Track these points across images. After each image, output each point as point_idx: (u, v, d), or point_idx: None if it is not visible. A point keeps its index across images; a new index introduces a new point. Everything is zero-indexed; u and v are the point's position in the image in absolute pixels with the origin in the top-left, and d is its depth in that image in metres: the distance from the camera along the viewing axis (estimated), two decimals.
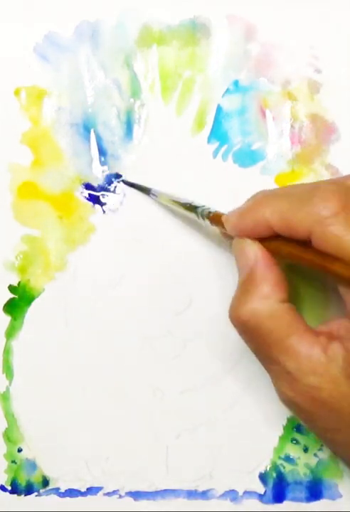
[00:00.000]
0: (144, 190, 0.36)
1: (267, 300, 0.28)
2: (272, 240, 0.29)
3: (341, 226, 0.26)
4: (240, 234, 0.30)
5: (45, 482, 0.36)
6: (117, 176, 0.36)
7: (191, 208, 0.33)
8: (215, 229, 0.33)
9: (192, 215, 0.33)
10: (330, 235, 0.26)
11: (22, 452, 0.36)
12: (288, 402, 0.28)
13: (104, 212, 0.36)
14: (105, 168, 0.36)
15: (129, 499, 0.35)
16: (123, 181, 0.36)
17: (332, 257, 0.26)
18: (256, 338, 0.28)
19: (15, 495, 0.35)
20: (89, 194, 0.36)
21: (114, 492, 0.35)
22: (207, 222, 0.32)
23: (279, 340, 0.27)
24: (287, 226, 0.27)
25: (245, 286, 0.29)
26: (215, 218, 0.31)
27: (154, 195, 0.35)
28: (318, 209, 0.26)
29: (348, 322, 0.28)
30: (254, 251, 0.29)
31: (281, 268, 0.29)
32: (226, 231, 0.31)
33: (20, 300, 0.36)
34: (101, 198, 0.36)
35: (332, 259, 0.26)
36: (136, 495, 0.35)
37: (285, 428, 0.35)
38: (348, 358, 0.26)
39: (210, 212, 0.32)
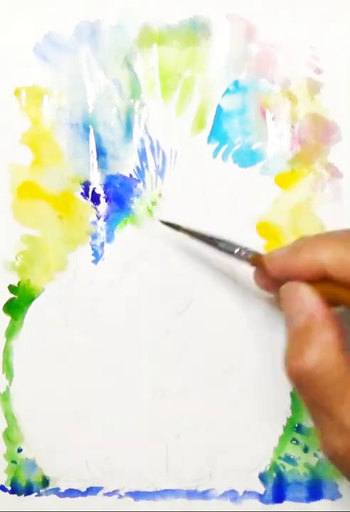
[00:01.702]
0: (176, 227, 0.34)
1: (333, 349, 0.27)
2: (319, 283, 0.28)
3: None
4: (286, 275, 0.29)
5: (45, 482, 0.36)
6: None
7: (229, 248, 0.32)
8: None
9: (227, 255, 0.32)
10: None
11: (22, 452, 0.36)
12: (336, 457, 0.28)
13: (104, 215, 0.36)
14: (105, 168, 0.36)
15: (129, 499, 0.35)
16: (160, 221, 0.35)
17: None
18: (317, 389, 0.27)
19: (15, 495, 0.35)
20: (89, 194, 0.36)
21: (114, 492, 0.35)
22: (245, 264, 0.31)
23: (340, 392, 0.26)
24: (345, 270, 0.27)
25: (305, 333, 0.28)
26: (258, 260, 0.31)
27: (185, 232, 0.34)
28: None
29: None
30: (311, 297, 0.28)
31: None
32: (267, 271, 0.30)
33: (20, 300, 0.36)
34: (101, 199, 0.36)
35: None
36: (136, 495, 0.35)
37: (285, 428, 0.35)
38: None
39: (249, 253, 0.31)
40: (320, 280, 0.28)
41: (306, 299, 0.28)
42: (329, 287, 0.28)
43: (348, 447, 0.27)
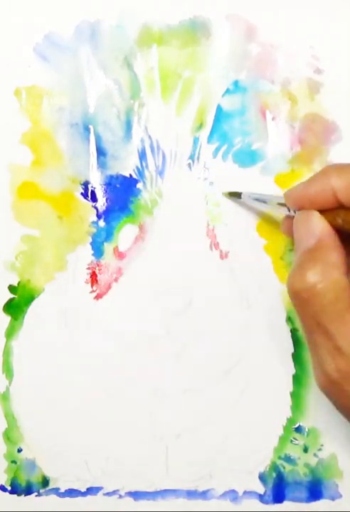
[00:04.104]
0: (236, 194, 0.35)
1: (335, 270, 0.27)
2: (333, 211, 0.29)
3: None
4: (303, 203, 0.30)
5: (45, 482, 0.36)
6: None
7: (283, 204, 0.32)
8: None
9: (283, 210, 0.32)
10: None
11: (22, 452, 0.36)
12: (329, 382, 0.27)
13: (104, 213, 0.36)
14: (105, 168, 0.36)
15: (129, 499, 0.35)
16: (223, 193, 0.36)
17: None
18: (316, 306, 0.27)
19: (15, 495, 0.35)
20: (89, 194, 0.36)
21: (114, 492, 0.35)
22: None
23: (338, 311, 0.27)
24: None
25: (311, 253, 0.28)
26: None
27: (246, 197, 0.35)
28: None
29: None
30: (322, 222, 0.29)
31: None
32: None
33: (20, 300, 0.36)
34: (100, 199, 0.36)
35: None
36: (136, 495, 0.35)
37: (285, 428, 0.35)
38: None
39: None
40: (334, 208, 0.28)
41: (316, 224, 0.29)
42: (342, 214, 0.28)
43: (342, 371, 0.27)
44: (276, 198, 0.33)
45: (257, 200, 0.34)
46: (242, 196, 0.35)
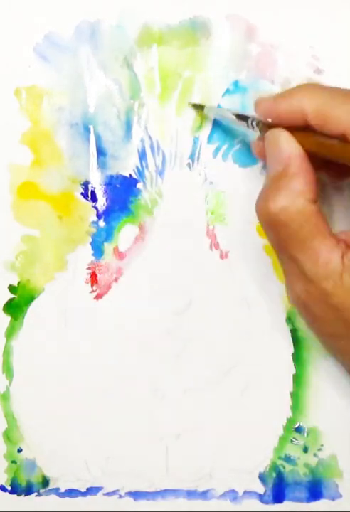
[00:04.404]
0: (199, 107, 0.35)
1: (299, 198, 0.27)
2: (303, 132, 0.28)
3: None
4: (271, 117, 0.29)
5: (45, 482, 0.36)
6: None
7: (242, 117, 0.32)
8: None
9: (243, 124, 0.32)
10: None
11: (22, 452, 0.36)
12: (298, 303, 0.29)
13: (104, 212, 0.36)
14: (105, 168, 0.36)
15: (129, 499, 0.35)
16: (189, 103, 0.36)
17: None
18: (281, 234, 0.28)
19: (15, 495, 0.35)
20: (89, 194, 0.36)
21: (114, 492, 0.35)
22: (257, 131, 0.31)
23: (303, 239, 0.27)
24: (322, 119, 0.27)
25: (278, 180, 0.28)
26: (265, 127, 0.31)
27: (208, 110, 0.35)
28: None
29: None
30: (290, 145, 0.28)
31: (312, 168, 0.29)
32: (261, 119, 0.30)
33: (20, 300, 0.36)
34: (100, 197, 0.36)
35: None
36: (136, 495, 0.35)
37: (285, 428, 0.35)
38: None
39: (259, 122, 0.31)
40: (304, 129, 0.28)
41: (285, 145, 0.28)
42: (312, 136, 0.28)
43: (308, 293, 0.28)
44: (243, 116, 0.33)
45: (221, 115, 0.34)
46: (205, 109, 0.35)
